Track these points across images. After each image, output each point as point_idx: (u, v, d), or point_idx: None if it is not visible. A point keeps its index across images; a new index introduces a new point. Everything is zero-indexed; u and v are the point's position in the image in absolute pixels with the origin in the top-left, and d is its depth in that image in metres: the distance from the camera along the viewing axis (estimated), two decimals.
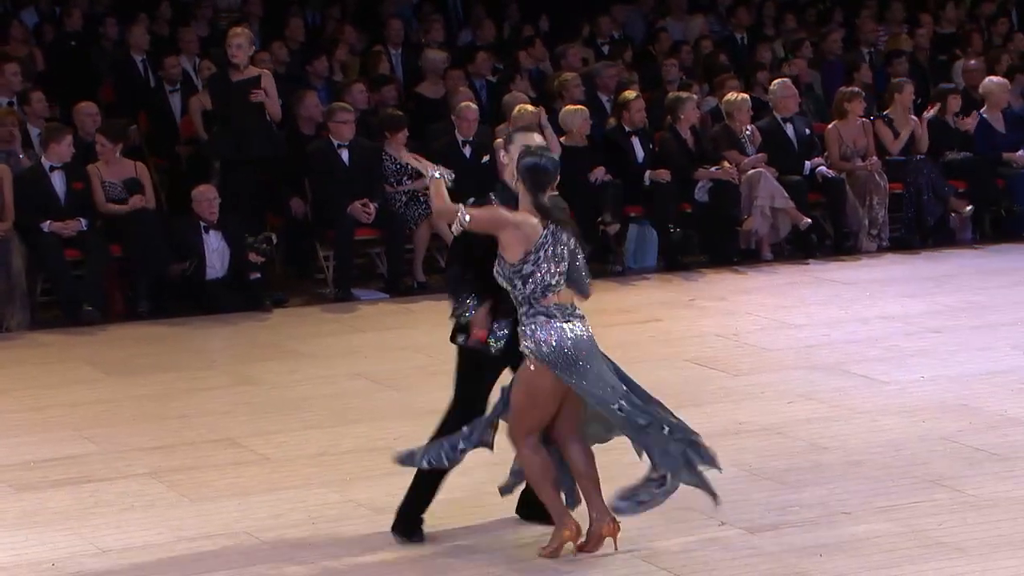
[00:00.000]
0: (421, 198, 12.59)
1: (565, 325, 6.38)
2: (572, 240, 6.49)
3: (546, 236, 6.40)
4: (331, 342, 10.83)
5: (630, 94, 13.66)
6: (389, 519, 6.93)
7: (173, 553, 6.61)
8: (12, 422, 8.72)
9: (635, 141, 13.42)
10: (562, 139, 13.21)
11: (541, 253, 6.38)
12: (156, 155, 13.08)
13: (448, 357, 10.33)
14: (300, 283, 12.71)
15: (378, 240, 12.65)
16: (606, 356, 6.54)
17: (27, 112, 12.55)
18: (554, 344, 6.35)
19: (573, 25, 16.92)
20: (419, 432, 8.30)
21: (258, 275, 11.88)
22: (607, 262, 13.20)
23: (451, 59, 14.84)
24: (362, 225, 12.40)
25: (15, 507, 7.18)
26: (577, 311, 6.47)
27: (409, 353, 10.34)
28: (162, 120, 13.78)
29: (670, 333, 10.87)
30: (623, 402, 6.41)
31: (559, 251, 6.41)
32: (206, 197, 11.71)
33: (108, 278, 11.64)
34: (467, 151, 12.88)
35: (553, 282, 6.39)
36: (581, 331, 6.41)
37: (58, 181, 11.50)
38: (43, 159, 11.47)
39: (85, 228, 11.36)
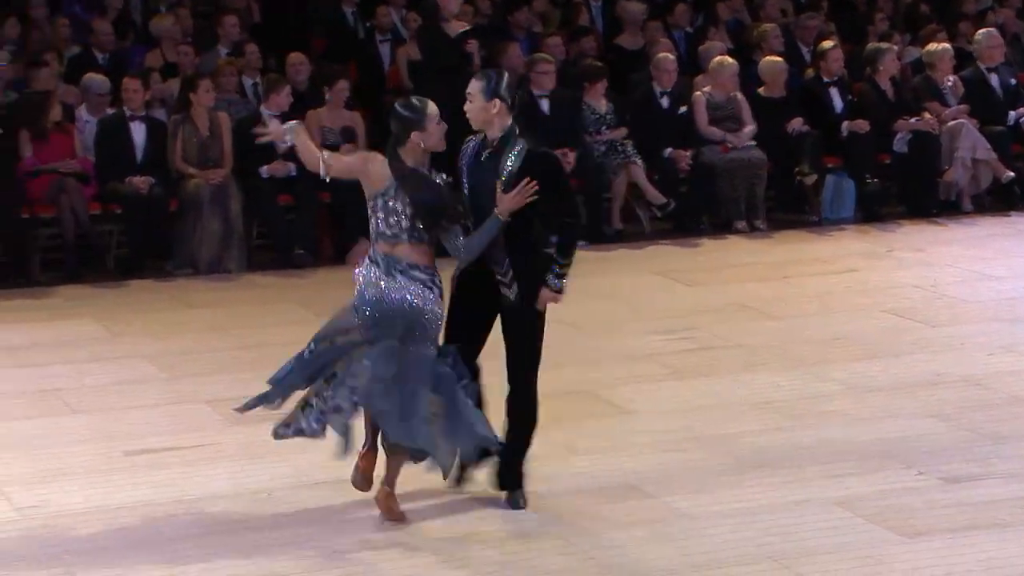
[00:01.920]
0: (619, 147, 12.78)
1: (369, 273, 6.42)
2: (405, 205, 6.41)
3: (388, 187, 6.46)
4: None
5: (828, 44, 13.62)
6: (584, 461, 7.19)
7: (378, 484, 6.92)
8: (229, 359, 9.14)
9: (833, 92, 13.38)
10: (760, 90, 13.27)
11: (378, 201, 6.46)
12: (363, 105, 13.46)
13: (645, 303, 10.61)
14: None
15: (577, 189, 12.86)
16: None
17: (242, 63, 13.06)
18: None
19: None
20: (619, 375, 8.61)
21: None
22: (803, 212, 13.24)
23: (650, 10, 14.94)
24: None
25: (233, 439, 7.55)
26: (415, 271, 6.42)
27: (606, 299, 10.56)
28: (370, 70, 14.19)
29: (867, 283, 10.89)
30: (312, 345, 6.52)
31: (396, 206, 6.43)
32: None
33: (319, 223, 12.09)
34: (664, 102, 13.01)
35: (387, 232, 6.44)
36: (375, 288, 6.39)
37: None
38: (262, 107, 11.93)
39: (294, 174, 11.71)
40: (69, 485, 6.98)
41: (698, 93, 13.11)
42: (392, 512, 6.46)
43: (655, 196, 12.75)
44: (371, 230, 6.53)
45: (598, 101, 12.91)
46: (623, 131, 12.91)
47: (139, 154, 11.77)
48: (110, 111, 12.08)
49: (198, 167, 11.75)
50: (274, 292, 11.10)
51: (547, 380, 8.48)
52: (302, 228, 11.94)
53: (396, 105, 6.67)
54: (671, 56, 13.21)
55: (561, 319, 9.90)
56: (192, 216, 11.61)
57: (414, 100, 6.69)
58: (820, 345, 9.24)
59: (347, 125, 12.13)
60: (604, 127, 12.89)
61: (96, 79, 12.27)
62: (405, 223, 6.45)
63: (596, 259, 12.10)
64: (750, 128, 13.02)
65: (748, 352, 9.13)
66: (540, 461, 7.11)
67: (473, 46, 12.57)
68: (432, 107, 6.62)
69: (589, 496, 6.72)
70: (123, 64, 13.15)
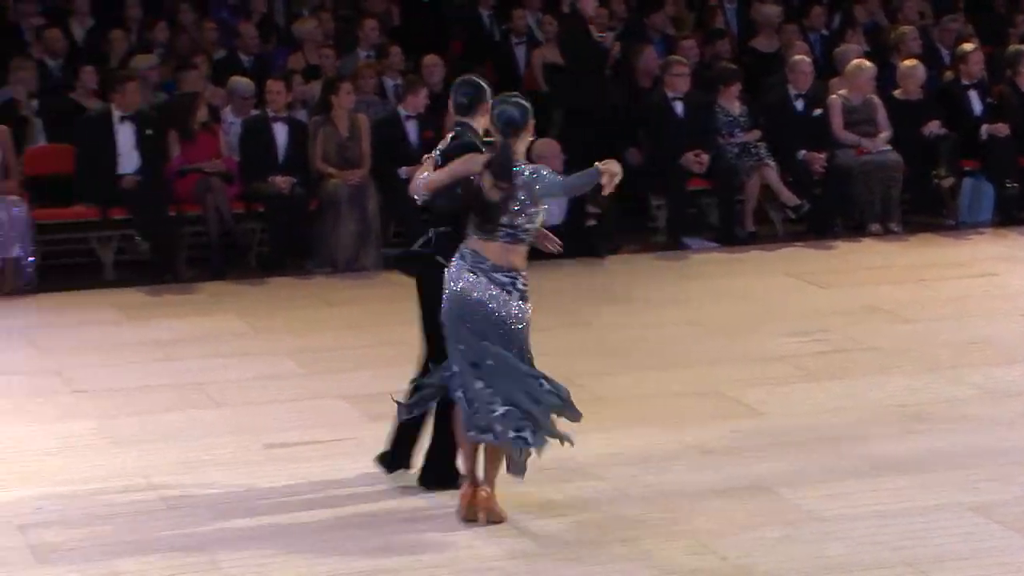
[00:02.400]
0: (752, 149, 12.79)
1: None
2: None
3: None
4: (661, 288, 11.16)
5: (969, 47, 13.48)
6: (715, 461, 7.22)
7: (510, 480, 6.92)
8: (366, 355, 9.30)
9: (972, 94, 13.25)
10: (896, 92, 13.18)
11: None
12: None
13: (778, 305, 10.61)
14: (633, 231, 13.02)
15: (710, 190, 12.91)
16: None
17: (384, 65, 13.28)
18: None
19: None
20: (751, 376, 8.63)
21: (594, 222, 12.30)
22: (940, 216, 13.12)
23: (785, 13, 14.90)
24: (694, 175, 12.69)
25: (370, 434, 7.63)
26: (497, 274, 6.42)
27: (738, 300, 10.59)
28: (506, 72, 14.34)
29: (1005, 288, 10.78)
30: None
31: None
32: (553, 151, 12.18)
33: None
34: (799, 104, 12.98)
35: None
36: (458, 284, 6.42)
37: (412, 130, 12.17)
38: (400, 108, 12.13)
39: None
40: (211, 475, 7.18)
41: (834, 96, 13.06)
42: (494, 513, 6.50)
43: (789, 198, 12.73)
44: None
45: (732, 103, 12.93)
46: (757, 133, 12.91)
47: (281, 154, 12.05)
48: (254, 112, 12.37)
49: (337, 167, 11.98)
50: (410, 291, 11.03)
51: (677, 380, 8.62)
52: None
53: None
54: (807, 59, 13.18)
55: (693, 320, 10.06)
56: (331, 215, 11.84)
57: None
58: (956, 349, 9.17)
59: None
60: (737, 129, 12.89)
61: (241, 82, 12.59)
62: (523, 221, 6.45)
63: (728, 260, 12.14)
64: (885, 134, 12.94)
65: (882, 355, 9.09)
66: (670, 461, 7.21)
67: (616, 49, 12.67)
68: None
69: (720, 496, 6.75)
70: (267, 66, 13.48)
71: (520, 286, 6.53)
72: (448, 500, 6.71)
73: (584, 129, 12.77)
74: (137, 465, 7.33)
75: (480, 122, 6.72)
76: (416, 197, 6.72)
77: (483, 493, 6.52)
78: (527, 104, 6.59)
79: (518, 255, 6.56)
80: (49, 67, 13.13)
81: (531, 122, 6.59)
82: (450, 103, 6.88)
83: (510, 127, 6.49)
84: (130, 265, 11.96)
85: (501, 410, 6.38)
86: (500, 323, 6.44)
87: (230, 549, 6.27)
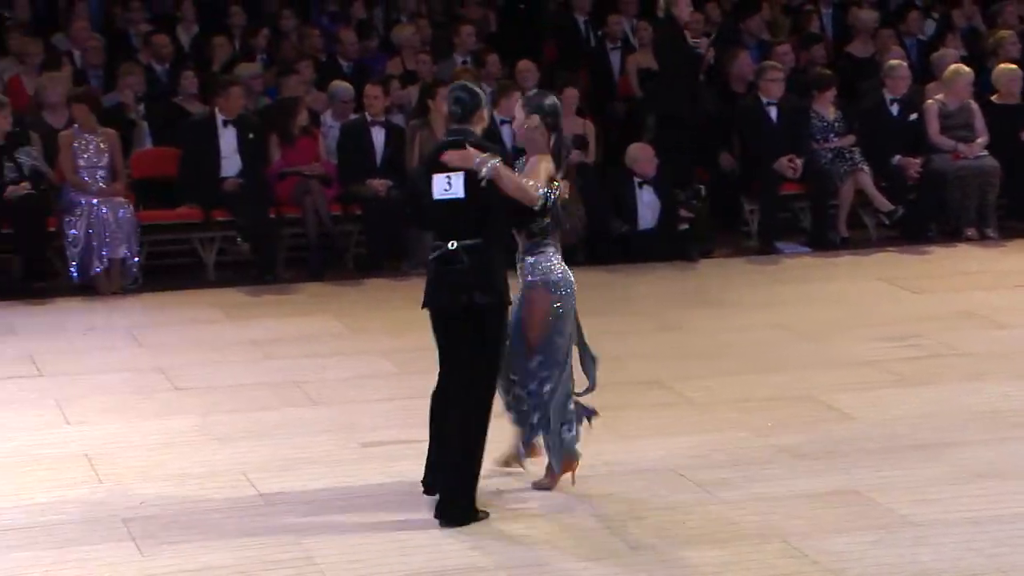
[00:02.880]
0: (847, 154, 12.76)
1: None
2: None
3: None
4: (753, 292, 11.17)
5: None
6: (807, 465, 7.22)
7: (601, 482, 7.06)
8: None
9: None
10: (993, 97, 13.09)
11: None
12: (594, 112, 13.66)
13: (870, 310, 10.56)
14: (726, 235, 13.04)
15: (802, 195, 12.90)
16: None
17: (481, 72, 13.42)
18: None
19: None
20: (843, 381, 8.63)
21: (686, 226, 12.34)
22: None
23: (882, 18, 14.84)
24: (787, 180, 12.70)
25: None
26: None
27: (831, 305, 10.59)
28: (600, 78, 14.42)
29: None
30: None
31: None
32: (647, 156, 12.25)
33: None
34: (895, 109, 12.94)
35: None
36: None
37: (507, 133, 12.26)
38: (495, 113, 12.27)
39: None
40: (308, 472, 7.30)
41: (930, 101, 13.00)
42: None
43: (883, 203, 12.69)
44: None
45: (826, 108, 12.92)
46: (851, 138, 12.89)
47: (378, 158, 12.23)
48: (353, 116, 12.56)
49: None
50: None
51: (769, 384, 8.64)
52: None
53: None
54: (904, 64, 13.13)
55: (785, 324, 10.07)
56: None
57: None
58: None
59: (578, 133, 12.36)
60: (832, 134, 12.88)
61: (341, 86, 12.80)
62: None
63: (822, 265, 12.12)
64: (982, 139, 12.86)
65: (975, 361, 9.05)
66: (762, 465, 7.24)
67: (711, 55, 12.70)
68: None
69: (812, 500, 6.76)
70: (366, 72, 13.66)
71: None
72: (543, 501, 6.80)
73: (677, 134, 12.81)
74: (236, 461, 7.48)
75: (478, 128, 6.76)
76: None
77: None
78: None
79: None
80: (156, 72, 13.42)
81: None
82: (445, 108, 6.94)
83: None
84: (231, 265, 12.21)
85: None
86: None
87: (325, 545, 6.38)
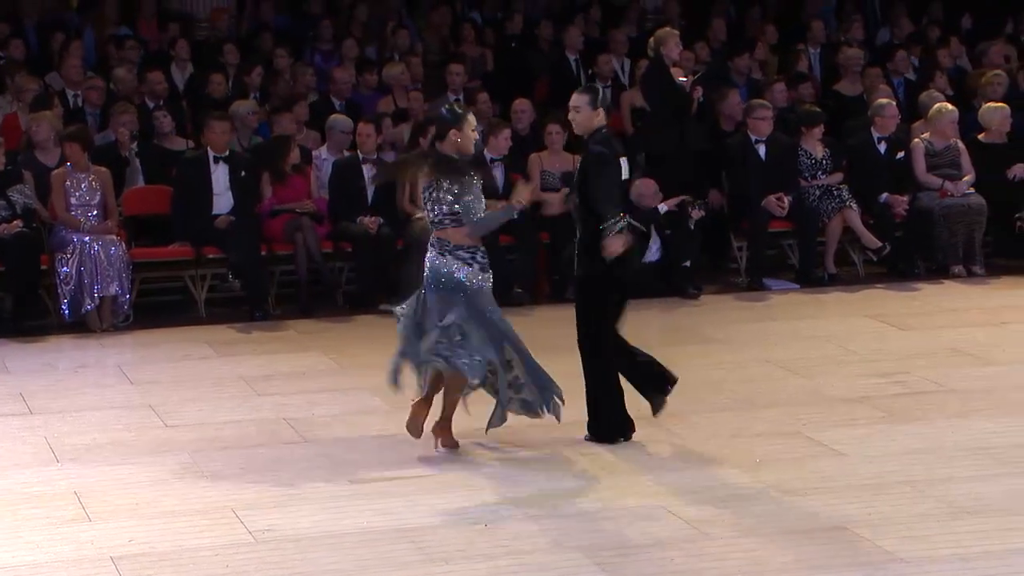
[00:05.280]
0: (834, 192, 12.84)
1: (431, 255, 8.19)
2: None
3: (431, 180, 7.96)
4: (743, 329, 11.21)
5: None
6: (796, 500, 7.25)
7: (588, 518, 7.09)
8: None
9: None
10: (981, 136, 13.19)
11: (425, 193, 8.08)
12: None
13: (858, 347, 10.62)
14: (714, 272, 13.11)
15: (791, 232, 12.97)
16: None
17: (472, 110, 13.45)
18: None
19: (996, 22, 16.68)
20: (831, 417, 8.67)
21: (688, 263, 12.37)
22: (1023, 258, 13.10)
23: (869, 57, 14.95)
24: (776, 217, 12.77)
25: (453, 472, 7.83)
26: (459, 251, 8.18)
27: (819, 341, 10.62)
28: None
29: None
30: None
31: (438, 196, 8.00)
32: (650, 191, 12.30)
33: (537, 263, 12.40)
34: (882, 147, 13.03)
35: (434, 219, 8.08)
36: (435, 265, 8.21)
37: (498, 172, 12.33)
38: (485, 151, 12.32)
39: (516, 216, 11.96)
40: (298, 510, 7.31)
41: (917, 140, 13.10)
42: (448, 440, 8.13)
43: (870, 240, 12.77)
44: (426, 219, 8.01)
45: (814, 146, 13.01)
46: (839, 176, 12.98)
47: (369, 195, 12.28)
48: (346, 154, 12.63)
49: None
50: None
51: (757, 420, 8.68)
52: (522, 268, 12.28)
53: (442, 109, 8.20)
54: (892, 103, 13.23)
55: (773, 360, 10.11)
56: (417, 256, 11.98)
57: (455, 107, 8.23)
58: None
59: (567, 169, 12.42)
60: (820, 172, 12.96)
61: (340, 119, 12.94)
62: (446, 209, 7.92)
63: (809, 301, 12.18)
64: (969, 177, 12.96)
65: (962, 397, 9.09)
66: (750, 501, 7.27)
67: (698, 93, 12.78)
68: (472, 116, 8.05)
69: (798, 537, 6.79)
70: (358, 109, 13.73)
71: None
72: (532, 535, 6.82)
73: (668, 171, 12.85)
74: (226, 499, 7.49)
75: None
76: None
77: (439, 426, 8.10)
78: (444, 113, 8.06)
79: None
80: (150, 110, 13.48)
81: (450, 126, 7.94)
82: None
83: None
84: (222, 302, 12.25)
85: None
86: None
87: None
